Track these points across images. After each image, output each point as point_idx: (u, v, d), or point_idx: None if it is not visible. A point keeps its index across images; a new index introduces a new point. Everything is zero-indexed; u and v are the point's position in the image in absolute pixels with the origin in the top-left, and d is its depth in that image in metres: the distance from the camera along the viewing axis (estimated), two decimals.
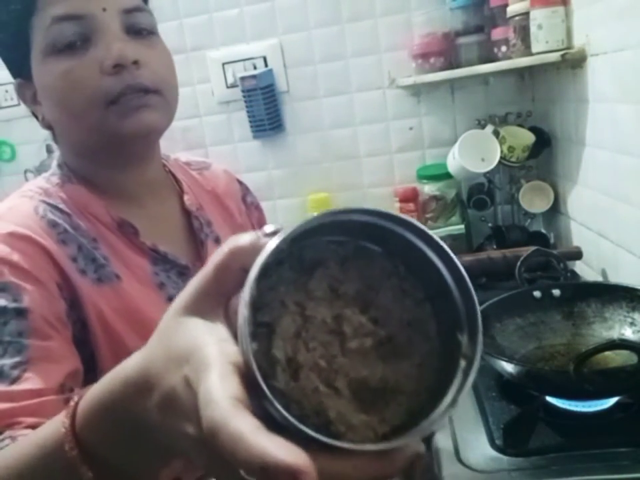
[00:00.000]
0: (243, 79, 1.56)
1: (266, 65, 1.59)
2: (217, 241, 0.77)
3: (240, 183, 0.92)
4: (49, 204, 0.66)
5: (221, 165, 0.92)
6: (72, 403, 0.38)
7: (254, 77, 1.54)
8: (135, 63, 0.64)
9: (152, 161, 0.74)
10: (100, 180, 0.71)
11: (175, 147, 1.67)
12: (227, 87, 1.62)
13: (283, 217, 1.70)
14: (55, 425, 0.39)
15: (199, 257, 0.74)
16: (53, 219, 0.64)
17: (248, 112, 1.59)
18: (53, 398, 0.55)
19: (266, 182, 1.69)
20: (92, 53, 0.63)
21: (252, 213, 0.92)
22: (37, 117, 0.71)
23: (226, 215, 0.84)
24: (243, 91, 1.57)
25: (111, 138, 0.66)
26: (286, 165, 1.66)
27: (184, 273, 0.71)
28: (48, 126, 0.70)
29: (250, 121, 1.60)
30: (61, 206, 0.67)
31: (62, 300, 0.61)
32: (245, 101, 1.58)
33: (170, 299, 0.69)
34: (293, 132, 1.64)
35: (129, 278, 0.67)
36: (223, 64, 1.60)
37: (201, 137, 1.68)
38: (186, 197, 0.77)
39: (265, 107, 1.56)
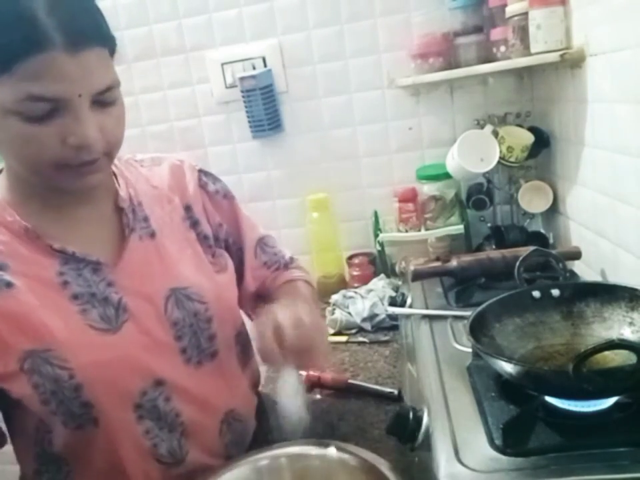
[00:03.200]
0: (242, 79, 1.56)
1: (265, 65, 1.59)
2: (152, 236, 0.82)
3: (202, 172, 0.94)
4: None
5: (178, 158, 0.94)
6: None
7: (253, 77, 1.54)
8: (96, 141, 0.68)
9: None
10: (25, 195, 0.75)
11: (174, 147, 1.67)
12: (226, 87, 1.62)
13: (283, 217, 1.70)
14: None
15: (121, 252, 0.79)
16: None
17: (247, 112, 1.59)
18: None
19: (265, 182, 1.69)
20: (57, 123, 0.66)
21: (219, 202, 0.94)
22: None
23: (171, 209, 0.87)
24: (242, 91, 1.57)
25: (47, 187, 0.73)
26: (285, 165, 1.66)
27: (97, 269, 0.76)
28: None
29: (249, 121, 1.60)
30: None
31: None
32: (244, 101, 1.58)
33: (75, 296, 0.74)
34: (292, 132, 1.64)
35: (25, 283, 0.71)
36: (222, 64, 1.60)
37: (200, 137, 1.68)
38: (120, 195, 0.81)
39: (264, 107, 1.56)
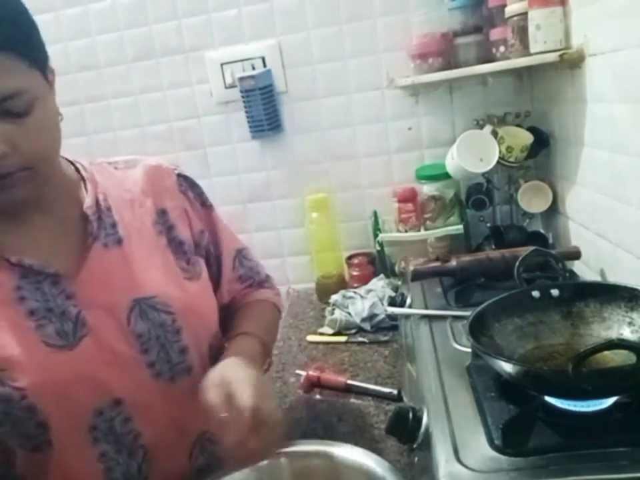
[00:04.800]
0: (241, 79, 1.56)
1: (264, 66, 1.59)
2: (119, 243, 0.79)
3: (180, 176, 0.90)
4: None
5: (155, 160, 0.90)
6: None
7: (252, 77, 1.54)
8: (3, 154, 0.65)
9: (40, 193, 0.73)
10: None
11: (174, 147, 1.67)
12: (226, 88, 1.62)
13: (282, 217, 1.70)
14: None
15: (83, 262, 0.75)
16: None
17: (247, 112, 1.59)
18: None
19: (265, 182, 1.69)
20: None
21: (198, 209, 0.91)
22: None
23: (142, 212, 0.83)
24: (241, 92, 1.57)
25: None
26: (284, 165, 1.66)
27: (56, 282, 0.73)
28: None
29: (248, 122, 1.60)
30: None
31: None
32: (244, 102, 1.58)
33: (31, 312, 0.71)
34: (292, 132, 1.64)
35: None
36: (222, 64, 1.60)
37: (200, 137, 1.68)
38: (86, 202, 0.78)
39: (263, 107, 1.56)
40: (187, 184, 0.91)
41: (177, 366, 0.79)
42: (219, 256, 0.94)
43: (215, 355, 0.84)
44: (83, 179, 0.81)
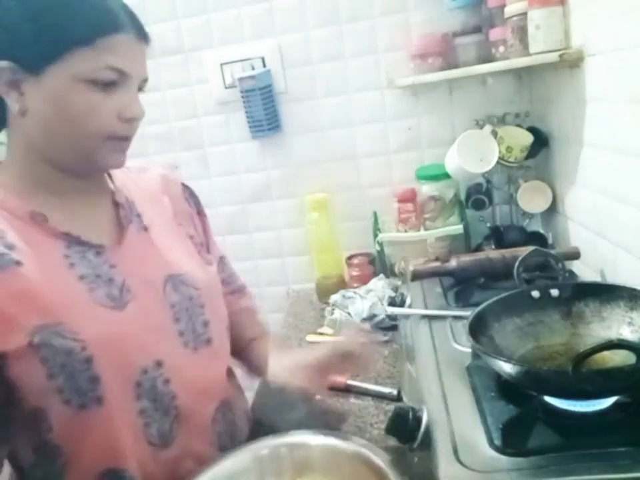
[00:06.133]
0: (241, 79, 1.56)
1: (264, 66, 1.59)
2: (146, 230, 0.87)
3: (185, 186, 1.01)
4: None
5: (162, 170, 1.00)
6: None
7: (252, 77, 1.54)
8: (141, 116, 0.79)
9: (96, 174, 0.85)
10: (30, 182, 0.78)
11: (173, 147, 1.67)
12: (225, 88, 1.62)
13: (282, 217, 1.70)
14: None
15: (121, 239, 0.83)
16: None
17: (246, 112, 1.59)
18: None
19: (264, 182, 1.69)
20: (115, 99, 0.75)
21: (196, 216, 1.01)
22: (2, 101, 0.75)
23: (161, 209, 0.93)
24: (241, 92, 1.57)
25: (88, 162, 0.78)
26: (284, 165, 1.66)
27: (100, 252, 0.80)
28: (21, 114, 0.74)
29: (248, 122, 1.60)
30: None
31: None
32: (244, 102, 1.58)
33: (81, 277, 0.77)
34: (291, 132, 1.64)
35: (33, 262, 0.73)
36: (221, 64, 1.61)
37: (199, 137, 1.68)
38: (117, 192, 0.87)
39: (263, 107, 1.56)
40: (189, 193, 1.01)
41: (200, 337, 0.86)
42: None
43: (228, 337, 0.95)
44: (108, 174, 0.89)
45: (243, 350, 1.02)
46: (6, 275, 0.71)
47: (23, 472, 0.80)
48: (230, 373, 0.95)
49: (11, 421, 0.76)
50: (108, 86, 0.74)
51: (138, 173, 0.95)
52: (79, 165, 0.79)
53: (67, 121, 0.74)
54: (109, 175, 0.88)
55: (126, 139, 0.79)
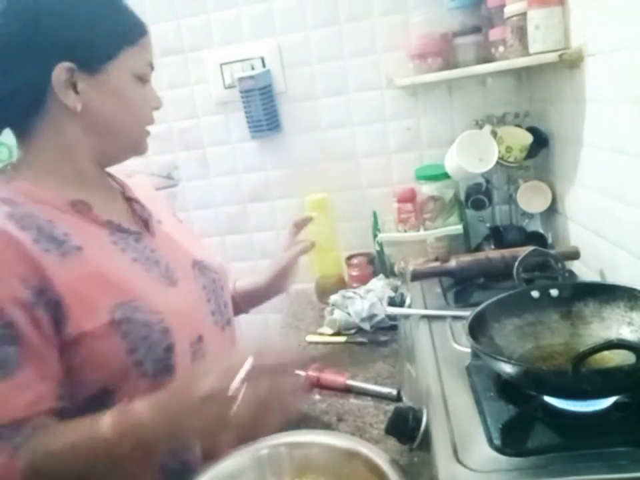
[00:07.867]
0: (240, 79, 1.56)
1: (264, 66, 1.59)
2: (159, 222, 0.93)
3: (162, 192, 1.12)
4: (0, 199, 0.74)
5: (144, 175, 1.07)
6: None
7: (252, 77, 1.54)
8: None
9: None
10: (73, 176, 0.82)
11: (173, 147, 1.67)
12: (225, 88, 1.62)
13: (282, 217, 1.70)
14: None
15: (147, 228, 0.88)
16: (8, 210, 0.72)
17: (246, 112, 1.59)
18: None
19: (264, 182, 1.69)
20: (149, 91, 0.86)
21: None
22: (59, 100, 0.77)
23: (160, 207, 0.97)
24: (240, 92, 1.57)
25: (134, 150, 0.87)
26: (284, 165, 1.66)
27: (139, 239, 0.85)
28: (76, 112, 0.78)
29: (248, 122, 1.61)
30: (11, 198, 0.75)
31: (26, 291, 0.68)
32: (243, 102, 1.58)
33: (134, 259, 0.81)
34: (291, 132, 1.64)
35: (90, 247, 0.76)
36: (221, 65, 1.61)
37: (199, 137, 1.68)
38: (127, 187, 0.93)
39: (262, 107, 1.56)
40: (168, 199, 1.14)
41: (224, 317, 0.93)
42: None
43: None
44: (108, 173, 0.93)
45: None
46: (73, 260, 0.73)
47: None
48: None
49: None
50: (146, 80, 0.84)
51: (126, 178, 0.98)
52: (127, 153, 0.86)
53: (127, 113, 0.82)
54: (110, 174, 0.92)
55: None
